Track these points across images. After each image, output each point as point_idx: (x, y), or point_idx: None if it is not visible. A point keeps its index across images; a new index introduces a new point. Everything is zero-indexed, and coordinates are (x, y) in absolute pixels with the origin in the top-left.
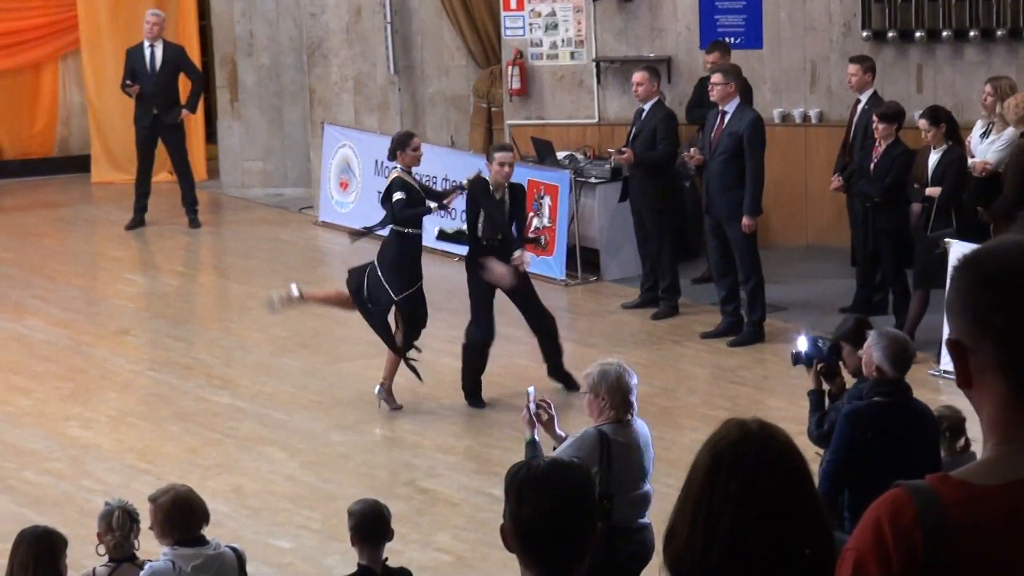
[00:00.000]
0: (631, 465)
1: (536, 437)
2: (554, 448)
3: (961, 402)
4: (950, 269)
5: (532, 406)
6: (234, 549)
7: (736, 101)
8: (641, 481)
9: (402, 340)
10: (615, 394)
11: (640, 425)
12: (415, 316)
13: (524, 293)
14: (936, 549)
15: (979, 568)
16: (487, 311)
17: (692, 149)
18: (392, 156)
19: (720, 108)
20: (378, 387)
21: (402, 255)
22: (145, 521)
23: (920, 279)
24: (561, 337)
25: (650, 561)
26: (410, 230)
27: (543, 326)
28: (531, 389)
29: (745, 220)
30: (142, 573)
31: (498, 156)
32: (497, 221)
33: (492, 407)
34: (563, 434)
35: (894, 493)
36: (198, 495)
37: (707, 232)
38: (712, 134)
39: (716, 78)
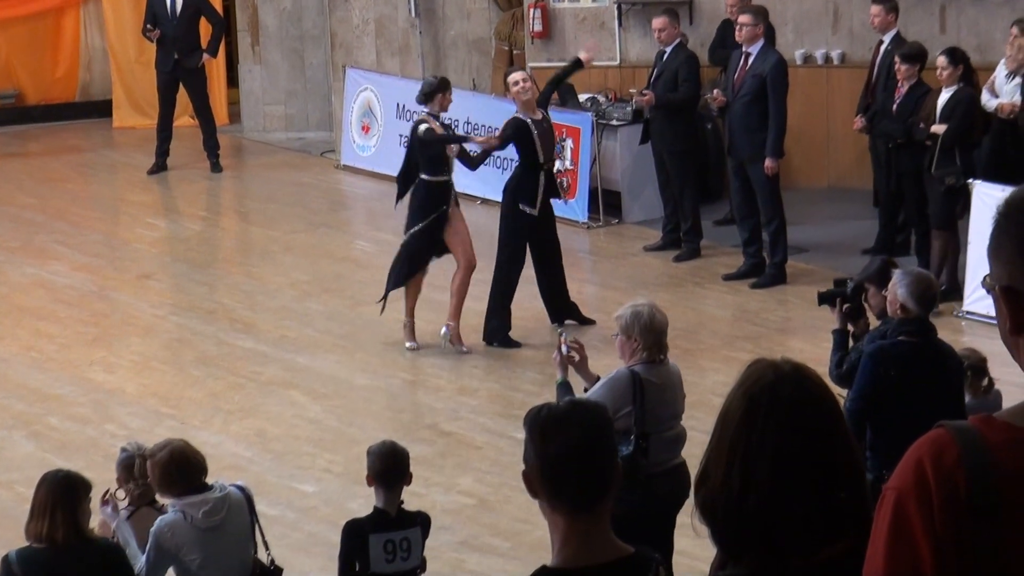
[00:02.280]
0: (664, 405)
1: (567, 379)
2: (585, 390)
3: (987, 344)
4: (975, 210)
5: (564, 348)
6: (241, 488)
7: (761, 43)
8: (675, 420)
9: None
10: (648, 335)
11: (673, 366)
12: (412, 251)
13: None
14: (979, 490)
15: (1022, 510)
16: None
17: (715, 91)
18: (429, 99)
19: (744, 49)
20: (444, 328)
21: (427, 201)
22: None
23: (936, 219)
24: (583, 280)
25: (687, 499)
26: (437, 177)
27: (556, 270)
28: (562, 332)
29: (768, 162)
30: (154, 527)
31: (510, 79)
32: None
33: (514, 351)
34: (596, 375)
35: (937, 433)
36: (195, 448)
37: (730, 173)
38: (735, 75)
39: (745, 18)
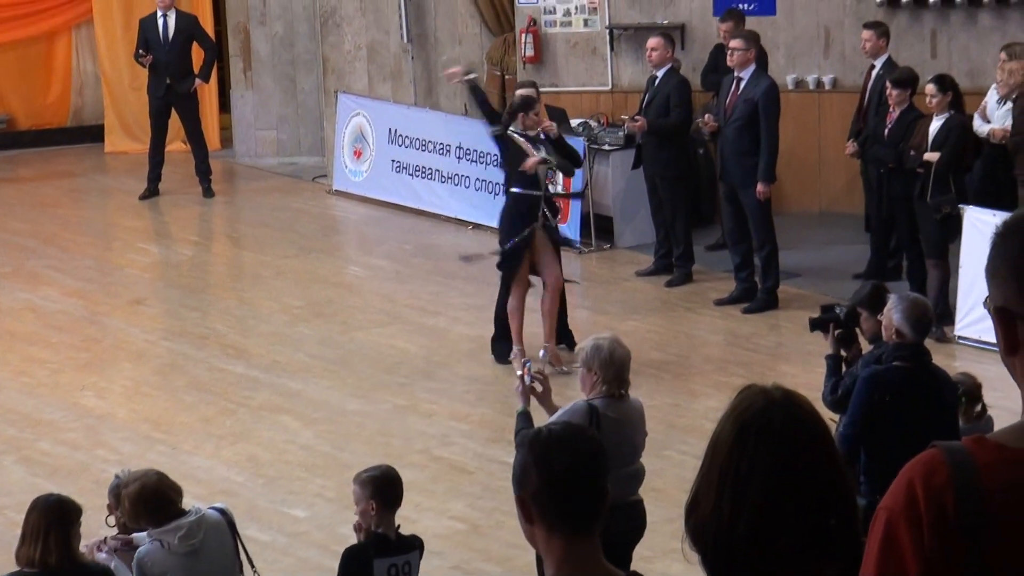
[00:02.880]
0: (622, 441)
1: (528, 409)
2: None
3: (979, 369)
4: (967, 234)
5: (527, 378)
6: (221, 510)
7: (752, 68)
8: (633, 457)
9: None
10: (607, 369)
11: (634, 402)
12: (506, 268)
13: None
14: (967, 510)
15: (1011, 531)
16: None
17: (707, 115)
18: (512, 119)
19: (736, 74)
20: (542, 351)
21: (510, 210)
22: None
23: (931, 248)
24: (575, 304)
25: (642, 538)
26: (521, 190)
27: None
28: (527, 361)
29: (760, 187)
30: (135, 559)
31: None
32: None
33: (505, 375)
34: (559, 406)
35: (929, 453)
36: (169, 480)
37: (721, 198)
38: (727, 100)
39: (736, 43)
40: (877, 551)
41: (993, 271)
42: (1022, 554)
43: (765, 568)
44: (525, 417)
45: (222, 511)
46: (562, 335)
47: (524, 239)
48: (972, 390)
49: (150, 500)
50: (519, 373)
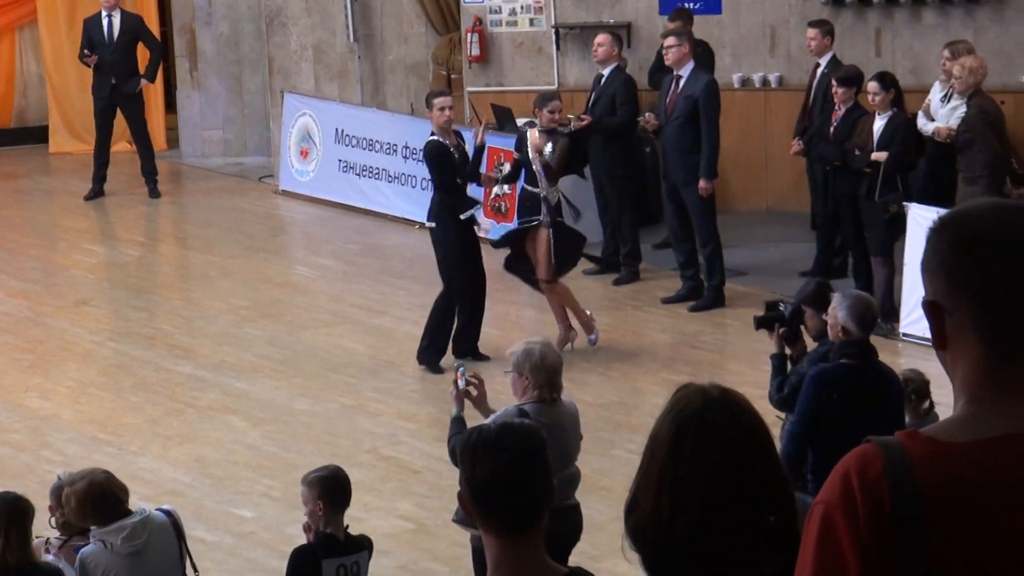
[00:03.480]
0: (553, 446)
1: (463, 414)
2: None
3: (924, 366)
4: (911, 232)
5: (461, 382)
6: (168, 512)
7: (691, 64)
8: (565, 462)
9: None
10: (538, 373)
11: (568, 406)
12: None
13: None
14: (902, 502)
15: (945, 523)
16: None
17: (648, 114)
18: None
19: (675, 72)
20: (592, 336)
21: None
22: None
23: (877, 247)
24: (522, 303)
25: (578, 541)
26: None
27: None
28: (460, 366)
29: (702, 183)
30: (77, 561)
31: (437, 101)
32: (465, 171)
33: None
34: (494, 410)
35: (863, 448)
36: (115, 480)
37: (664, 197)
38: (667, 98)
39: (669, 41)
40: (814, 544)
41: (925, 265)
42: (956, 545)
43: (705, 567)
44: (459, 422)
45: (168, 513)
46: (472, 351)
47: (523, 228)
48: (920, 387)
49: (97, 499)
50: (453, 378)
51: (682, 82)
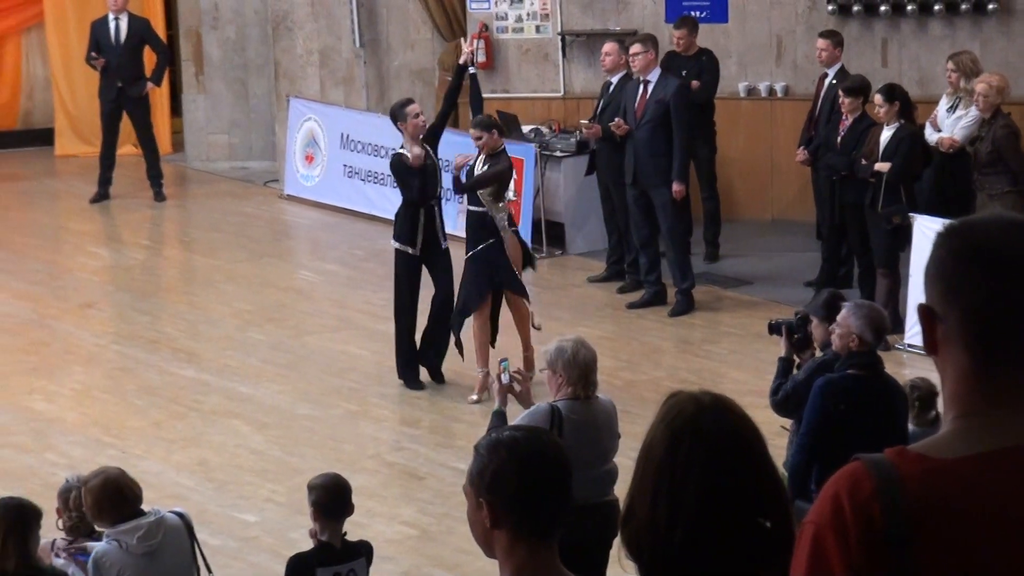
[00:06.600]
0: (586, 443)
1: (505, 409)
2: None
3: (928, 378)
4: (916, 243)
5: (505, 377)
6: (180, 514)
7: (657, 70)
8: (600, 460)
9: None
10: (571, 370)
11: (603, 403)
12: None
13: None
14: (893, 522)
15: (936, 541)
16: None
17: (616, 119)
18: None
19: (642, 78)
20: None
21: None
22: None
23: (880, 257)
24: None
25: (616, 536)
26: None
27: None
28: (504, 361)
29: (675, 186)
30: (91, 559)
31: (410, 109)
32: (419, 185)
33: (457, 381)
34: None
35: (852, 467)
36: (130, 478)
37: (630, 203)
38: (636, 103)
39: (635, 48)
40: (806, 564)
41: (926, 271)
42: (947, 564)
43: (703, 573)
44: (500, 416)
45: (181, 515)
46: (418, 359)
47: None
48: (927, 395)
49: (113, 495)
50: (496, 372)
51: (650, 87)
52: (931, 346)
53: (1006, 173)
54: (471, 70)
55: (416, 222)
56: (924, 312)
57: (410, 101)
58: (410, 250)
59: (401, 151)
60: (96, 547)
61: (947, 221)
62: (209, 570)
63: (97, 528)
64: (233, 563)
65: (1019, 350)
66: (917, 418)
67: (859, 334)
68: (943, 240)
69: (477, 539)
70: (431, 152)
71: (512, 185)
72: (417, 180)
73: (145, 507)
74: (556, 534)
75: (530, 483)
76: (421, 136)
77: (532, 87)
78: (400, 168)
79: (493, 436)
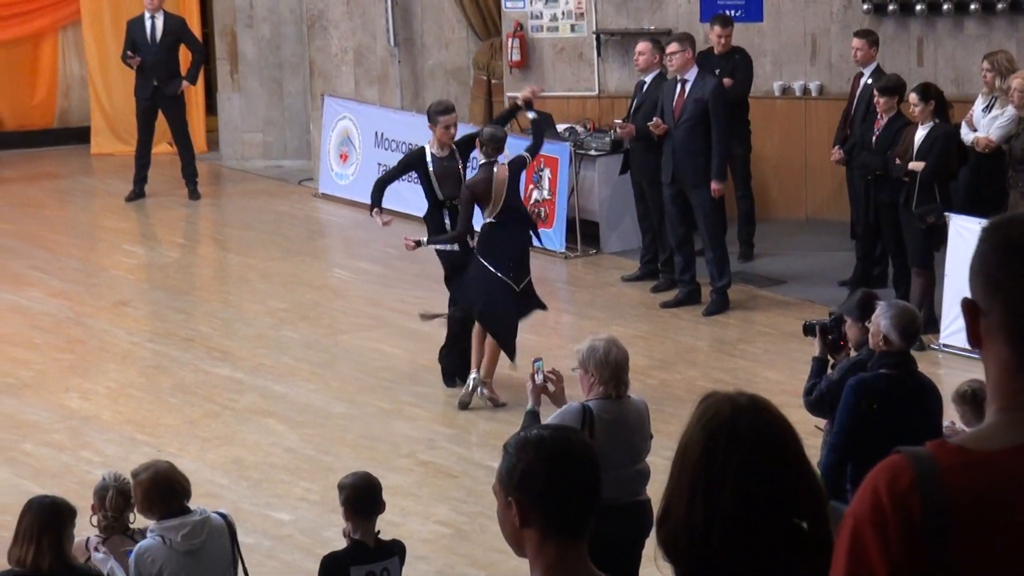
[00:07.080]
0: (618, 442)
1: (538, 408)
2: None
3: (963, 377)
4: (951, 242)
5: (539, 377)
6: (223, 515)
7: (695, 69)
8: (632, 460)
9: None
10: (603, 369)
11: (636, 403)
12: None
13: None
14: (932, 513)
15: (975, 532)
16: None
17: (655, 118)
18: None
19: (680, 77)
20: (475, 379)
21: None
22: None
23: (915, 256)
24: (560, 309)
25: (649, 535)
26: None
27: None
28: (537, 361)
29: (714, 185)
30: (132, 553)
31: (443, 119)
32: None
33: (493, 381)
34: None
35: (892, 459)
36: (179, 471)
37: (667, 202)
38: (674, 103)
39: (672, 47)
40: (845, 557)
41: (970, 265)
42: (986, 555)
43: (740, 574)
44: (533, 416)
45: (224, 516)
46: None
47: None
48: (982, 399)
49: (164, 488)
50: (530, 372)
51: (688, 86)
52: (976, 339)
53: None
54: (530, 115)
55: (440, 222)
56: (968, 306)
57: (450, 110)
58: (448, 247)
59: (424, 146)
60: (140, 542)
61: (981, 222)
62: (247, 574)
63: (145, 519)
64: (267, 562)
65: None
66: (969, 421)
67: (885, 334)
68: (987, 235)
69: (507, 538)
70: (456, 153)
71: (547, 184)
72: (421, 176)
73: (191, 505)
74: (585, 533)
75: (558, 481)
76: (447, 145)
77: (567, 86)
78: (410, 157)
79: (521, 435)
